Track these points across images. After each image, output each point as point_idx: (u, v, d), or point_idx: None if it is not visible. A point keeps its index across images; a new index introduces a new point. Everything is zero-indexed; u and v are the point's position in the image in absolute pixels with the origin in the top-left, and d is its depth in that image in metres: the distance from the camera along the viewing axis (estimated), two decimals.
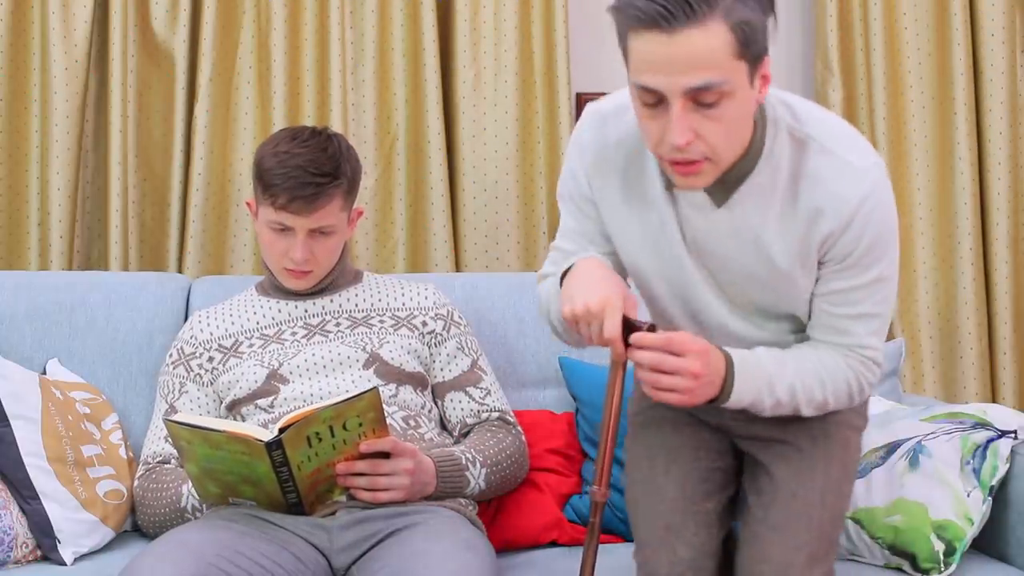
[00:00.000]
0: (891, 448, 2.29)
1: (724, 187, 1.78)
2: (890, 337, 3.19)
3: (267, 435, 1.95)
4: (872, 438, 2.33)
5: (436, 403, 2.40)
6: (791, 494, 1.92)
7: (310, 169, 2.26)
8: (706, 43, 1.60)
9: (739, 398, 1.81)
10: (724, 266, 1.84)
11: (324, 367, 2.31)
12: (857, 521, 2.24)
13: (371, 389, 2.00)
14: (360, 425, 2.03)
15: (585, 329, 1.74)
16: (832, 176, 1.75)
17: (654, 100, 1.66)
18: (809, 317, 1.87)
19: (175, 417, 2.01)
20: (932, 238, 3.24)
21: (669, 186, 1.82)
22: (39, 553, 2.24)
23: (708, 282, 1.87)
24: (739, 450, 2.05)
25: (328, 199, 2.29)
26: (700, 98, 1.63)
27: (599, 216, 1.91)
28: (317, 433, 1.99)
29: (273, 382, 2.30)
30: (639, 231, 1.87)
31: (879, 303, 1.83)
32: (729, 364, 1.80)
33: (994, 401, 3.23)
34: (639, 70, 1.64)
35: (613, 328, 1.72)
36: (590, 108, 1.89)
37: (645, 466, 2.02)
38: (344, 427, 2.01)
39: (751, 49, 1.64)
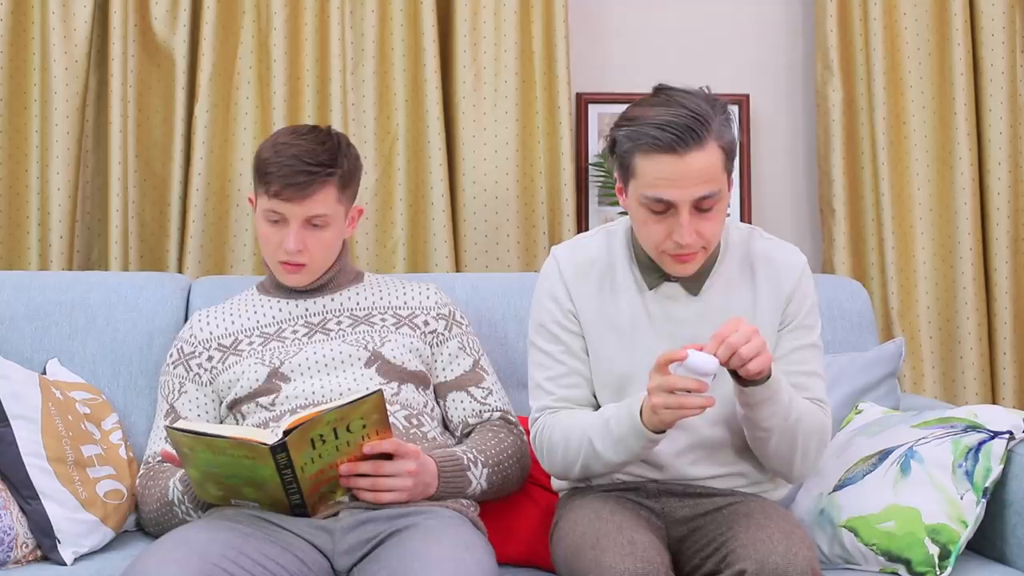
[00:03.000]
0: (883, 455, 2.29)
1: (698, 278, 2.15)
2: (890, 337, 3.19)
3: (271, 438, 1.95)
4: (863, 446, 2.34)
5: (438, 403, 2.40)
6: (755, 516, 2.04)
7: (304, 158, 2.28)
8: (707, 161, 2.00)
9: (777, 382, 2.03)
10: None
11: (326, 365, 2.31)
12: (851, 529, 2.23)
13: (375, 391, 2.00)
14: (364, 427, 2.03)
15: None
16: (777, 252, 2.19)
17: (663, 209, 2.03)
18: None
19: (177, 424, 2.01)
20: (932, 238, 3.24)
21: (644, 288, 2.16)
22: (39, 553, 2.24)
23: None
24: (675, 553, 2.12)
25: (320, 187, 2.29)
26: (702, 205, 2.02)
27: (581, 331, 2.18)
28: (321, 435, 1.98)
29: (274, 380, 2.30)
30: (615, 338, 2.16)
31: (820, 367, 2.18)
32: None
33: (994, 401, 3.23)
34: (653, 186, 2.01)
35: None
36: (554, 250, 2.24)
37: (590, 515, 2.07)
38: (348, 429, 2.01)
39: (732, 162, 2.07)
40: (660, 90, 2.06)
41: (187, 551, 1.92)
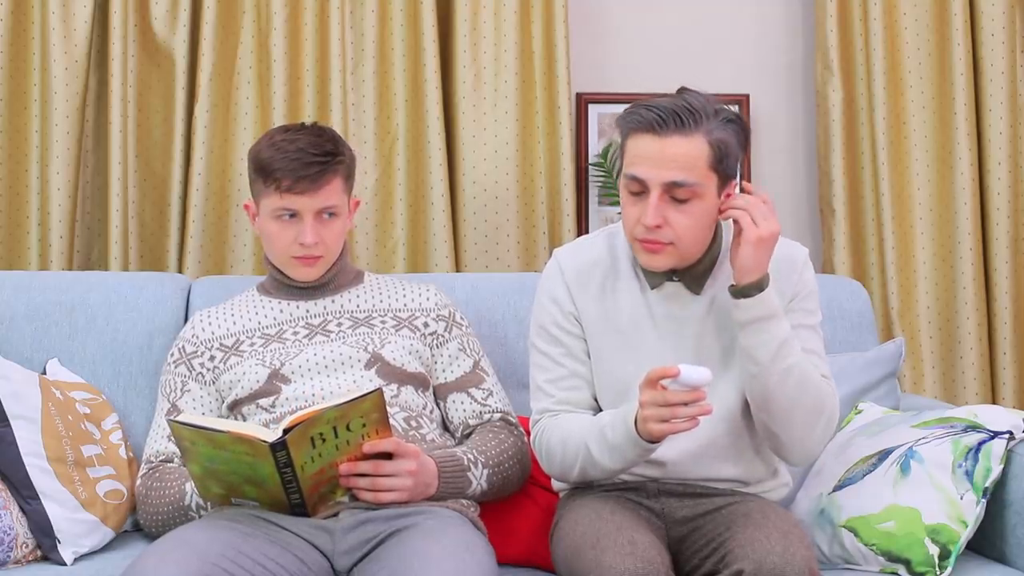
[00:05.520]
0: (882, 455, 2.29)
1: (699, 277, 2.14)
2: (890, 337, 3.19)
3: (271, 436, 1.95)
4: (863, 446, 2.34)
5: (438, 404, 2.40)
6: (754, 515, 2.03)
7: (310, 150, 2.28)
8: (688, 150, 2.01)
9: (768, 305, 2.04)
10: (702, 355, 2.13)
11: (326, 367, 2.31)
12: (851, 529, 2.23)
13: (375, 390, 2.00)
14: (363, 426, 2.03)
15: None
16: (778, 249, 2.11)
17: (639, 189, 2.04)
18: None
19: (178, 417, 2.02)
20: (932, 238, 3.24)
21: (646, 288, 2.15)
22: (39, 553, 2.24)
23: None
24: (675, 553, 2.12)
25: (332, 176, 2.31)
26: (675, 193, 2.02)
27: (583, 333, 2.18)
28: (321, 434, 1.99)
29: (275, 382, 2.30)
30: (617, 340, 2.16)
31: (821, 350, 2.16)
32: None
33: (994, 401, 3.23)
34: (632, 163, 2.04)
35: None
36: (556, 252, 2.24)
37: (590, 515, 2.06)
38: (348, 428, 2.01)
39: (724, 165, 2.04)
40: (679, 90, 2.09)
41: (187, 551, 1.92)
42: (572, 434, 2.11)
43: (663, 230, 2.03)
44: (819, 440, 2.11)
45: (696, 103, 2.03)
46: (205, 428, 1.97)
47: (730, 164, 2.05)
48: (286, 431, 1.94)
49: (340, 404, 1.97)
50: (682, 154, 2.00)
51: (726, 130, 2.04)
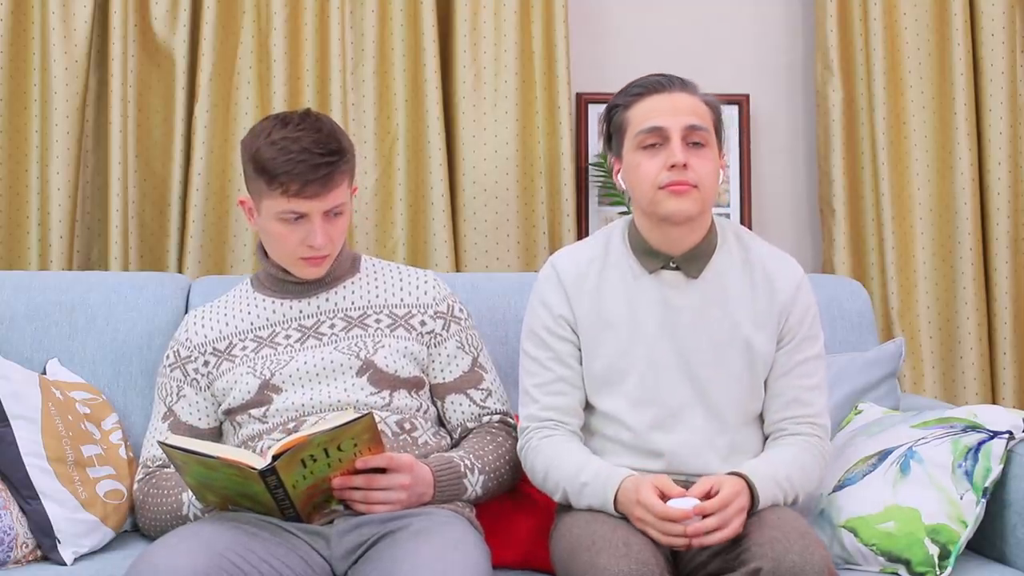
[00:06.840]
0: (882, 455, 2.29)
1: (697, 262, 2.18)
2: (890, 337, 3.19)
3: (260, 463, 1.94)
4: (863, 446, 2.34)
5: (435, 403, 2.37)
6: (766, 516, 2.04)
7: (315, 151, 2.18)
8: (695, 104, 2.16)
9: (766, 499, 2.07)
10: (696, 344, 2.15)
11: (317, 375, 2.28)
12: (850, 529, 2.23)
13: (366, 415, 1.98)
14: (355, 445, 2.02)
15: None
16: (773, 259, 2.23)
17: (656, 140, 2.13)
18: (769, 410, 2.20)
19: (169, 441, 2.01)
20: (932, 238, 3.25)
21: (640, 276, 2.18)
22: (39, 553, 2.24)
23: (680, 368, 2.16)
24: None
25: (341, 177, 2.23)
26: (692, 137, 2.13)
27: (575, 335, 2.20)
28: (312, 455, 1.98)
29: (266, 392, 2.27)
30: (613, 334, 2.17)
31: (823, 378, 2.22)
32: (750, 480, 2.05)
33: (994, 401, 3.23)
34: (645, 120, 2.14)
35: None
36: (551, 258, 2.28)
37: (586, 517, 2.08)
38: (339, 448, 2.00)
39: (719, 127, 2.19)
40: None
41: (195, 543, 1.92)
42: (553, 469, 2.15)
43: (689, 171, 2.11)
44: (819, 485, 2.24)
45: (687, 78, 2.20)
46: (195, 452, 1.97)
47: (721, 130, 2.20)
48: (275, 457, 1.94)
49: (329, 430, 1.96)
50: (692, 105, 2.16)
51: (714, 101, 2.21)
